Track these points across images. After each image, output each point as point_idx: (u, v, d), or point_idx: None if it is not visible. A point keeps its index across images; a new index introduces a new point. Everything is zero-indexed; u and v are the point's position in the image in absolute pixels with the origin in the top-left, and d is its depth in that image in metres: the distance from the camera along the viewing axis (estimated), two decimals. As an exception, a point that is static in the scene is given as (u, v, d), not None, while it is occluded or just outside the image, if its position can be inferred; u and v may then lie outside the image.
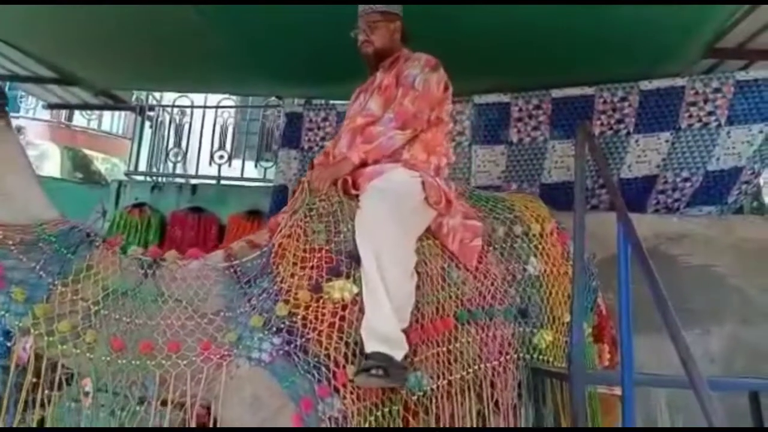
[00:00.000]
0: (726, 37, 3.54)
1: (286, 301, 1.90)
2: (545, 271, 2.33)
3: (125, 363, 1.78)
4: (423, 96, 2.25)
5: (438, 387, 1.98)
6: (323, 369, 1.82)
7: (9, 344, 1.77)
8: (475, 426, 2.00)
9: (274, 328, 1.86)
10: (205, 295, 1.90)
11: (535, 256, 2.34)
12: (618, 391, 2.16)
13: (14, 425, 1.76)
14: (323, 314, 1.88)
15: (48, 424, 1.78)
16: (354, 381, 1.83)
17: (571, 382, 1.84)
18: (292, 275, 1.94)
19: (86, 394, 1.75)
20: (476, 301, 2.14)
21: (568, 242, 2.44)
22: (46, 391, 1.76)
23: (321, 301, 1.91)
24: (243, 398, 1.80)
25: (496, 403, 2.06)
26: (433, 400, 1.96)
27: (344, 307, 1.90)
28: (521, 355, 2.16)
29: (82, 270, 1.85)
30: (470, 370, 2.04)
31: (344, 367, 1.84)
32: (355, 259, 1.98)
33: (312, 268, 1.95)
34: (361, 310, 1.91)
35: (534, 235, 2.39)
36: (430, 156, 2.29)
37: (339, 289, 1.92)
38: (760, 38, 3.57)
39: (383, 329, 1.88)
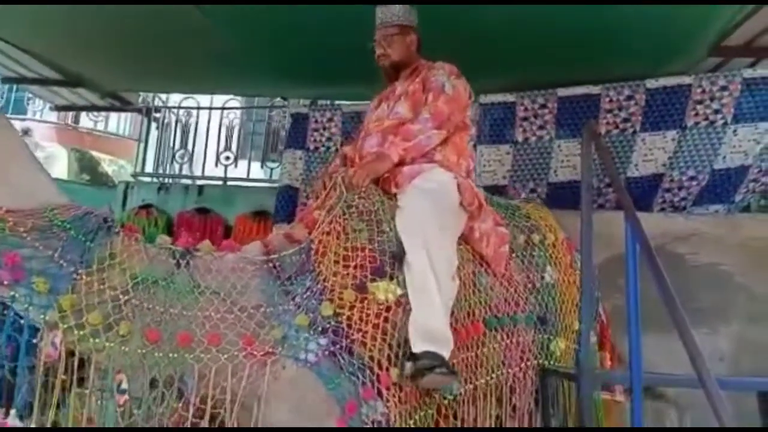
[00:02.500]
0: (733, 35, 3.52)
1: (331, 301, 1.84)
2: (558, 279, 2.35)
3: (162, 356, 1.65)
4: (454, 99, 2.27)
5: (465, 391, 1.97)
6: (367, 371, 1.77)
7: (34, 341, 1.61)
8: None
9: (320, 328, 1.79)
10: (243, 288, 1.81)
11: (551, 264, 2.37)
12: (619, 396, 2.18)
13: (48, 425, 1.62)
14: (368, 315, 1.84)
15: (81, 424, 1.63)
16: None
17: (580, 382, 1.84)
18: (335, 274, 1.89)
19: (121, 391, 1.63)
20: (502, 308, 2.15)
21: (574, 252, 2.47)
22: (76, 390, 1.63)
23: (366, 301, 1.86)
24: (290, 402, 1.72)
25: (513, 408, 2.07)
26: (461, 404, 1.96)
27: (388, 309, 1.87)
28: (540, 361, 2.18)
29: (106, 258, 1.71)
30: (494, 375, 2.05)
31: (387, 369, 1.80)
32: (398, 259, 1.95)
33: (355, 267, 1.90)
34: (405, 313, 1.88)
35: (549, 244, 2.42)
36: (459, 159, 2.30)
37: (383, 290, 1.88)
38: (767, 36, 3.55)
39: (434, 326, 1.86)
